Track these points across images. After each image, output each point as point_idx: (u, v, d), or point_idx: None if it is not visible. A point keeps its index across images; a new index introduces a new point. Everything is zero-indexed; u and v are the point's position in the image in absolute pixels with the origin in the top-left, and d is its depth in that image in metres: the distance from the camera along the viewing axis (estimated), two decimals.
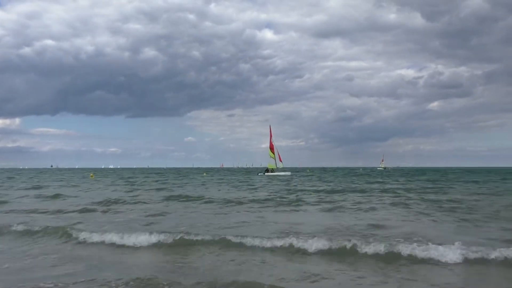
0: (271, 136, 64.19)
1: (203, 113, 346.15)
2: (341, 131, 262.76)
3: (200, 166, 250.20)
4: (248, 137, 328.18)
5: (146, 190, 29.51)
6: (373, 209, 16.19)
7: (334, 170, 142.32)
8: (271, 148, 63.36)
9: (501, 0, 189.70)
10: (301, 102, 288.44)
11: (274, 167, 63.12)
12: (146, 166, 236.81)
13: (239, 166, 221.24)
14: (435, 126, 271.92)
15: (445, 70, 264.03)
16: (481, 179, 48.25)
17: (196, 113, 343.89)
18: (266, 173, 61.54)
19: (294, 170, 79.23)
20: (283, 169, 65.91)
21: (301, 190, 27.69)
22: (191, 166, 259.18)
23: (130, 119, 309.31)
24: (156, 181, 46.50)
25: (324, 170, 66.48)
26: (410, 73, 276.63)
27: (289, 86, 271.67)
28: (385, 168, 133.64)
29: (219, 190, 29.56)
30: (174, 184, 38.99)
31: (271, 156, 63.16)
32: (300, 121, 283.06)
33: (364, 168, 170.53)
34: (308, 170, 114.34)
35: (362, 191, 26.55)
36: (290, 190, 28.10)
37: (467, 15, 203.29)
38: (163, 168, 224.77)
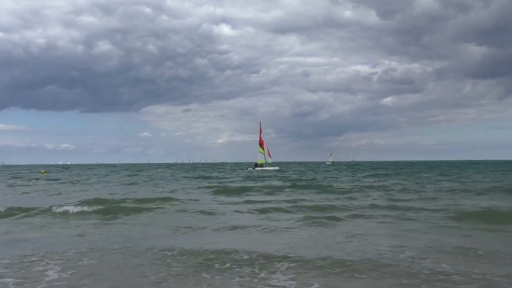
0: (260, 132, 65.52)
1: (158, 108, 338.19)
2: (297, 126, 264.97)
3: (156, 162, 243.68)
4: (204, 132, 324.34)
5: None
6: None
7: (287, 164, 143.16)
8: (261, 143, 64.98)
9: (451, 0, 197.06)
10: (258, 97, 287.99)
11: (263, 162, 64.14)
12: (95, 162, 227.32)
13: (195, 162, 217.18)
14: (388, 121, 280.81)
15: (398, 66, 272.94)
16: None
17: (151, 108, 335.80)
18: (255, 168, 62.61)
19: (248, 165, 77.61)
20: (272, 164, 66.66)
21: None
22: (146, 162, 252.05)
23: (84, 114, 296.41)
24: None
25: (278, 165, 65.78)
26: (365, 69, 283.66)
27: (246, 81, 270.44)
28: (333, 162, 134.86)
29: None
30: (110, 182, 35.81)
31: (260, 152, 64.79)
32: (257, 116, 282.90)
33: (318, 163, 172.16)
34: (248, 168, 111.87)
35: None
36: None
37: (419, 14, 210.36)
38: (116, 164, 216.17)
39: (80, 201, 15.41)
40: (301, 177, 38.47)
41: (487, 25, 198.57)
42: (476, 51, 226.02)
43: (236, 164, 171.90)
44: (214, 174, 50.23)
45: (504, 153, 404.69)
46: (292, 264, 6.55)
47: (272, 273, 6.18)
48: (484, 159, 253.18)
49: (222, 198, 18.54)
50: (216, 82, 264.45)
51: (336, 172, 53.11)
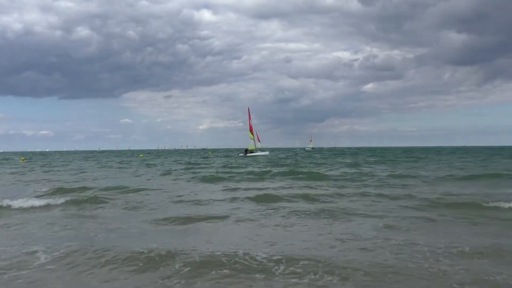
0: (250, 118, 65.40)
1: (139, 95, 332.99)
2: (279, 112, 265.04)
3: (137, 148, 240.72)
4: (186, 118, 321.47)
5: None
6: None
7: (271, 150, 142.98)
8: (250, 129, 64.94)
9: None
10: (239, 83, 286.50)
11: (253, 148, 64.67)
12: (74, 149, 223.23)
13: (176, 148, 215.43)
14: (369, 107, 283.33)
15: (380, 53, 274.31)
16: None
17: (132, 94, 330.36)
18: (246, 154, 62.64)
19: (228, 150, 77.73)
20: (262, 149, 67.30)
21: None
22: (127, 148, 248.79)
23: (63, 100, 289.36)
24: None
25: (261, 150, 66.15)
26: (346, 55, 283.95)
27: (227, 67, 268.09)
28: (313, 148, 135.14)
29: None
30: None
31: (250, 138, 64.96)
32: (239, 102, 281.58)
33: (299, 148, 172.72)
34: (239, 153, 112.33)
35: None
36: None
37: (400, 0, 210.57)
38: (95, 150, 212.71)
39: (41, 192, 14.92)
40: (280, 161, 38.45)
41: (466, 12, 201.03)
42: (455, 38, 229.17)
43: (217, 150, 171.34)
44: (199, 160, 49.76)
45: (483, 139, 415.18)
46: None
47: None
48: (463, 145, 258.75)
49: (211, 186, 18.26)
50: (197, 68, 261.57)
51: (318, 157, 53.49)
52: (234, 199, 13.34)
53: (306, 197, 13.38)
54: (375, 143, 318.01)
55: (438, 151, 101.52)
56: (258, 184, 18.49)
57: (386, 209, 10.92)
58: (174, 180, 21.74)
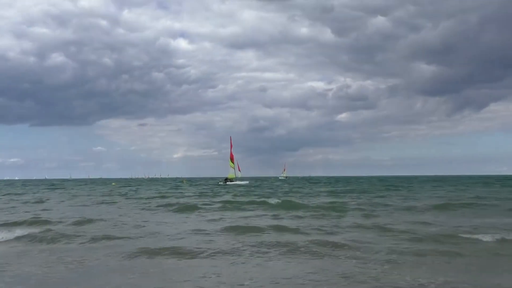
0: (231, 146, 65.39)
1: (113, 122, 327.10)
2: (254, 141, 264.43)
3: (110, 177, 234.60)
4: (160, 146, 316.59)
5: None
6: None
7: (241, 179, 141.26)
8: (231, 158, 64.84)
9: (402, 20, 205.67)
10: (214, 112, 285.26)
11: (233, 176, 64.43)
12: (43, 177, 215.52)
13: (149, 177, 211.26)
14: (343, 136, 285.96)
15: (353, 83, 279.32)
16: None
17: (106, 122, 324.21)
18: (226, 183, 62.29)
19: (203, 179, 76.56)
20: (242, 179, 66.92)
21: None
22: (99, 177, 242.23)
23: (34, 127, 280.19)
24: None
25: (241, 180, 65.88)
26: (320, 85, 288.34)
27: (203, 96, 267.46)
28: (286, 177, 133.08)
29: None
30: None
31: (231, 166, 64.71)
32: (213, 131, 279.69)
33: (273, 178, 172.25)
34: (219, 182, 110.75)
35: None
36: None
37: (372, 32, 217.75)
38: (66, 179, 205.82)
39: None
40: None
41: (435, 45, 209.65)
42: (425, 69, 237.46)
43: (192, 179, 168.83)
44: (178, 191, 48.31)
45: (452, 168, 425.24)
46: None
47: None
48: (434, 174, 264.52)
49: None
50: (173, 96, 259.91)
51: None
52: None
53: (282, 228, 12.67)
54: (349, 172, 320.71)
55: (411, 180, 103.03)
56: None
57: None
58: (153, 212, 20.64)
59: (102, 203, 25.94)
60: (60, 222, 14.99)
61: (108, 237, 11.29)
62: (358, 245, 9.59)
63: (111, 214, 18.61)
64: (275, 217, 16.79)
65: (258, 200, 25.63)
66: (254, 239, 10.83)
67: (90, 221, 15.08)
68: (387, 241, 10.30)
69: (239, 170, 66.34)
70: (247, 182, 66.34)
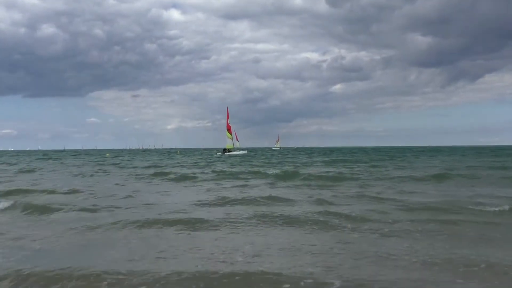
0: (228, 117, 65.38)
1: (106, 94, 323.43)
2: (248, 112, 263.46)
3: (104, 148, 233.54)
4: (153, 118, 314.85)
5: None
6: None
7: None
8: (228, 129, 64.91)
9: None
10: (208, 83, 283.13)
11: (231, 146, 64.89)
12: (37, 148, 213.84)
13: (144, 148, 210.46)
14: (337, 107, 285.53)
15: (347, 54, 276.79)
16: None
17: (99, 93, 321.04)
18: (224, 153, 61.91)
19: (196, 150, 76.54)
20: (240, 149, 67.41)
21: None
22: (93, 148, 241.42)
23: (27, 99, 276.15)
24: None
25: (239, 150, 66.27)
26: (314, 56, 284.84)
27: (196, 67, 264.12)
28: (280, 148, 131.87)
29: None
30: None
31: (228, 137, 64.99)
32: (207, 102, 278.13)
33: (267, 148, 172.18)
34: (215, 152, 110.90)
35: None
36: None
37: (367, 3, 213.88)
38: (60, 150, 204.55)
39: None
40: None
41: (431, 16, 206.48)
42: (421, 41, 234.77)
43: (186, 150, 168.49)
44: (173, 161, 47.79)
45: (447, 139, 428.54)
46: None
47: None
48: (428, 145, 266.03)
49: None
50: (166, 67, 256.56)
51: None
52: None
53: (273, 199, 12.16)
54: (343, 143, 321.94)
55: (405, 150, 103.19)
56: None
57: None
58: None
59: (96, 173, 25.34)
60: (48, 192, 14.39)
61: (94, 210, 10.72)
62: (357, 216, 9.08)
63: (103, 183, 18.05)
64: (273, 186, 16.35)
65: (255, 170, 25.18)
66: (253, 209, 10.31)
67: (77, 191, 14.50)
68: (387, 211, 9.82)
69: (237, 140, 66.50)
70: (245, 152, 66.92)
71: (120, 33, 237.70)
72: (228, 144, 65.13)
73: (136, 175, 23.06)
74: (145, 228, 8.23)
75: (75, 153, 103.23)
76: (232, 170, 25.99)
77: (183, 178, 20.45)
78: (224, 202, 11.66)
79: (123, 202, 11.82)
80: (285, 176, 20.41)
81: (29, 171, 27.72)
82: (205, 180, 19.44)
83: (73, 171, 27.13)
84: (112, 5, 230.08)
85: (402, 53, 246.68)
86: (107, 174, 24.25)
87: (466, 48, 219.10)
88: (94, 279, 5.11)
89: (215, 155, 64.99)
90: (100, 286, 4.95)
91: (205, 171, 25.00)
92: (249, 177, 20.77)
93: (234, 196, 12.65)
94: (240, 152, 64.35)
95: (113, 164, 38.30)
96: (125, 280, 5.05)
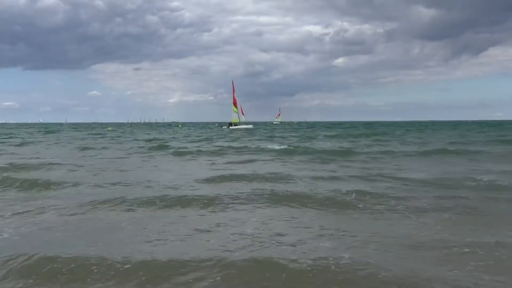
0: (234, 91, 64.59)
1: (108, 67, 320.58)
2: (250, 86, 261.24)
3: (105, 122, 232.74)
4: (155, 91, 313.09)
5: None
6: None
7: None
8: (234, 103, 64.08)
9: None
10: (209, 56, 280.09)
11: (237, 120, 64.15)
12: (38, 121, 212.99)
13: (145, 121, 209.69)
14: (339, 81, 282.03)
15: (350, 27, 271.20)
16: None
17: (100, 66, 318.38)
18: (230, 127, 61.84)
19: (200, 124, 76.05)
20: (246, 123, 67.10)
21: None
22: (95, 121, 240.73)
23: (28, 71, 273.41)
24: None
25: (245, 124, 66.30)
26: (317, 29, 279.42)
27: (198, 40, 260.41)
28: (281, 122, 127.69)
29: None
30: None
31: (234, 111, 64.17)
32: (209, 76, 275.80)
33: (268, 122, 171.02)
34: (216, 125, 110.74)
35: None
36: None
37: None
38: (61, 123, 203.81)
39: None
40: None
41: None
42: (424, 13, 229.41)
43: (188, 123, 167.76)
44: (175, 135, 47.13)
45: (449, 113, 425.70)
46: None
47: None
48: (430, 119, 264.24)
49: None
50: (168, 40, 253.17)
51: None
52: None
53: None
54: (346, 117, 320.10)
55: (408, 125, 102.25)
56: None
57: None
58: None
59: (89, 147, 24.68)
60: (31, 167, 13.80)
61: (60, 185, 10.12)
62: (364, 195, 8.50)
63: (92, 160, 17.32)
64: (281, 162, 15.74)
65: (259, 145, 24.50)
66: (259, 186, 9.74)
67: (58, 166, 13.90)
68: (391, 189, 9.27)
69: (243, 114, 66.12)
70: (251, 126, 66.54)
71: (121, 4, 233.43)
72: (233, 118, 64.53)
73: (139, 147, 22.55)
74: (147, 207, 7.67)
75: (76, 127, 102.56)
76: (234, 144, 25.40)
77: (184, 153, 19.84)
78: (226, 179, 11.07)
79: (119, 178, 11.24)
80: (292, 152, 19.77)
81: (23, 144, 27.16)
82: (212, 155, 18.85)
83: (71, 146, 26.49)
84: None
85: (405, 26, 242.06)
86: (106, 149, 23.60)
87: (469, 20, 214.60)
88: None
89: (222, 128, 64.56)
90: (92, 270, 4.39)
91: (214, 145, 24.41)
92: (251, 152, 20.18)
93: (239, 172, 12.07)
94: (246, 126, 63.86)
95: (115, 137, 37.68)
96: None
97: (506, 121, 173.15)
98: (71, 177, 11.57)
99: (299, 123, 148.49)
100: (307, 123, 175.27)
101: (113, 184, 10.23)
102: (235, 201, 8.06)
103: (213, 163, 15.27)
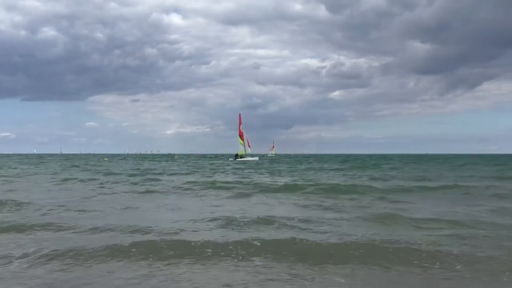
0: (240, 124, 64.87)
1: (106, 98, 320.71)
2: (247, 118, 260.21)
3: (102, 152, 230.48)
4: (152, 123, 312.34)
5: None
6: None
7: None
8: (241, 135, 64.40)
9: None
10: (207, 88, 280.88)
11: (243, 153, 64.34)
12: (32, 152, 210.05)
13: (141, 153, 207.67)
14: (336, 114, 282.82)
15: (347, 61, 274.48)
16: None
17: (98, 97, 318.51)
18: (236, 159, 61.90)
19: (192, 156, 74.80)
20: (251, 155, 67.22)
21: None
22: (92, 152, 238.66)
23: (26, 102, 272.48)
24: None
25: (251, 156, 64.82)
26: (314, 62, 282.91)
27: (196, 72, 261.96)
28: (275, 154, 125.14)
29: None
30: None
31: (240, 143, 64.35)
32: (206, 108, 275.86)
33: (264, 155, 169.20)
34: (212, 156, 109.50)
35: None
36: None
37: (367, 9, 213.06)
38: (56, 154, 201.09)
39: None
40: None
41: (430, 23, 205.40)
42: (420, 48, 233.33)
43: (186, 155, 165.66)
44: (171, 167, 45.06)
45: (444, 146, 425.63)
46: None
47: None
48: (425, 152, 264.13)
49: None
50: (166, 72, 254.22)
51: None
52: None
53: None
54: (342, 150, 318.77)
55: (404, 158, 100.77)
56: None
57: None
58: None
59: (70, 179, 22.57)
60: None
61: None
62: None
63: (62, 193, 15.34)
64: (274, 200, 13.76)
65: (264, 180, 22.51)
66: (265, 234, 7.78)
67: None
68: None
69: (249, 147, 66.02)
70: (257, 158, 66.17)
71: (120, 37, 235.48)
72: (240, 150, 64.40)
73: (128, 182, 20.47)
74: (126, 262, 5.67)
75: (65, 158, 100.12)
76: (228, 179, 23.41)
77: (181, 188, 17.81)
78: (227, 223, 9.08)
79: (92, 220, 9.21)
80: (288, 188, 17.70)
81: None
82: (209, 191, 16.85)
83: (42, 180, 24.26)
84: (113, 9, 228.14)
85: (401, 60, 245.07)
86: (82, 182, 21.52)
87: (464, 55, 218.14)
88: None
89: (229, 160, 64.44)
90: None
91: (208, 179, 22.41)
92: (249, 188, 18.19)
93: (238, 216, 10.09)
94: (252, 159, 63.32)
95: (107, 169, 35.57)
96: None
97: (501, 155, 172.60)
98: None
99: (293, 156, 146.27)
100: (304, 155, 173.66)
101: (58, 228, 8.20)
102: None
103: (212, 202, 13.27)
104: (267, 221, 8.97)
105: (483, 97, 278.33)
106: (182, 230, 7.98)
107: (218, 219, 9.25)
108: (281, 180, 21.46)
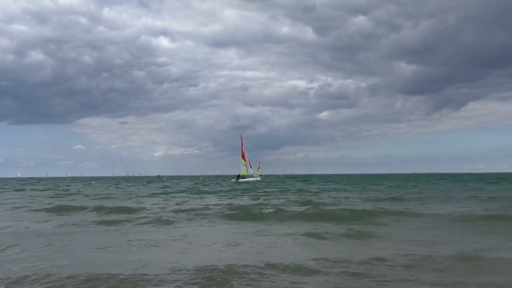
0: (242, 145, 66.04)
1: (93, 121, 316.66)
2: (235, 139, 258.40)
3: (90, 175, 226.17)
4: (141, 145, 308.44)
5: None
6: None
7: (228, 177, 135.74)
8: (243, 155, 65.59)
9: (382, 19, 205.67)
10: (196, 110, 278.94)
11: (245, 173, 65.59)
12: (16, 176, 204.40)
13: (129, 175, 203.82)
14: (324, 135, 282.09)
15: (334, 82, 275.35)
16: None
17: (86, 120, 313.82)
18: (238, 180, 62.12)
19: (179, 178, 73.58)
20: (253, 175, 67.99)
21: None
22: (79, 175, 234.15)
23: (13, 126, 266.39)
24: None
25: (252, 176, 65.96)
26: (302, 84, 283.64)
27: (184, 94, 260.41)
28: (260, 175, 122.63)
29: None
30: None
31: (242, 164, 65.42)
32: (195, 130, 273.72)
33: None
34: (201, 178, 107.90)
35: None
36: None
37: (354, 31, 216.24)
38: (42, 177, 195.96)
39: None
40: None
41: (415, 44, 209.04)
42: (406, 69, 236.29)
43: (174, 177, 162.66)
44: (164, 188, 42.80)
45: (431, 166, 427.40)
46: None
47: None
48: (413, 172, 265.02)
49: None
50: (154, 94, 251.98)
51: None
52: None
53: None
54: (330, 170, 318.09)
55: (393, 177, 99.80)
56: None
57: None
58: None
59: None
60: None
61: None
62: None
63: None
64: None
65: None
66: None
67: None
68: None
69: (251, 167, 66.71)
70: (258, 178, 67.74)
71: (108, 60, 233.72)
72: (242, 171, 65.05)
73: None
74: None
75: (58, 181, 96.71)
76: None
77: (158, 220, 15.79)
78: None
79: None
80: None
81: None
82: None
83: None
84: (101, 32, 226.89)
85: (388, 80, 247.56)
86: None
87: (450, 76, 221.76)
88: None
89: (231, 181, 64.91)
90: None
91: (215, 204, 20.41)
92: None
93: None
94: (253, 179, 64.02)
95: (87, 193, 33.28)
96: None
97: (488, 174, 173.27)
98: None
99: (284, 176, 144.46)
100: (292, 175, 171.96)
101: None
102: None
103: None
104: None
105: (469, 117, 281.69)
106: None
107: None
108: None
